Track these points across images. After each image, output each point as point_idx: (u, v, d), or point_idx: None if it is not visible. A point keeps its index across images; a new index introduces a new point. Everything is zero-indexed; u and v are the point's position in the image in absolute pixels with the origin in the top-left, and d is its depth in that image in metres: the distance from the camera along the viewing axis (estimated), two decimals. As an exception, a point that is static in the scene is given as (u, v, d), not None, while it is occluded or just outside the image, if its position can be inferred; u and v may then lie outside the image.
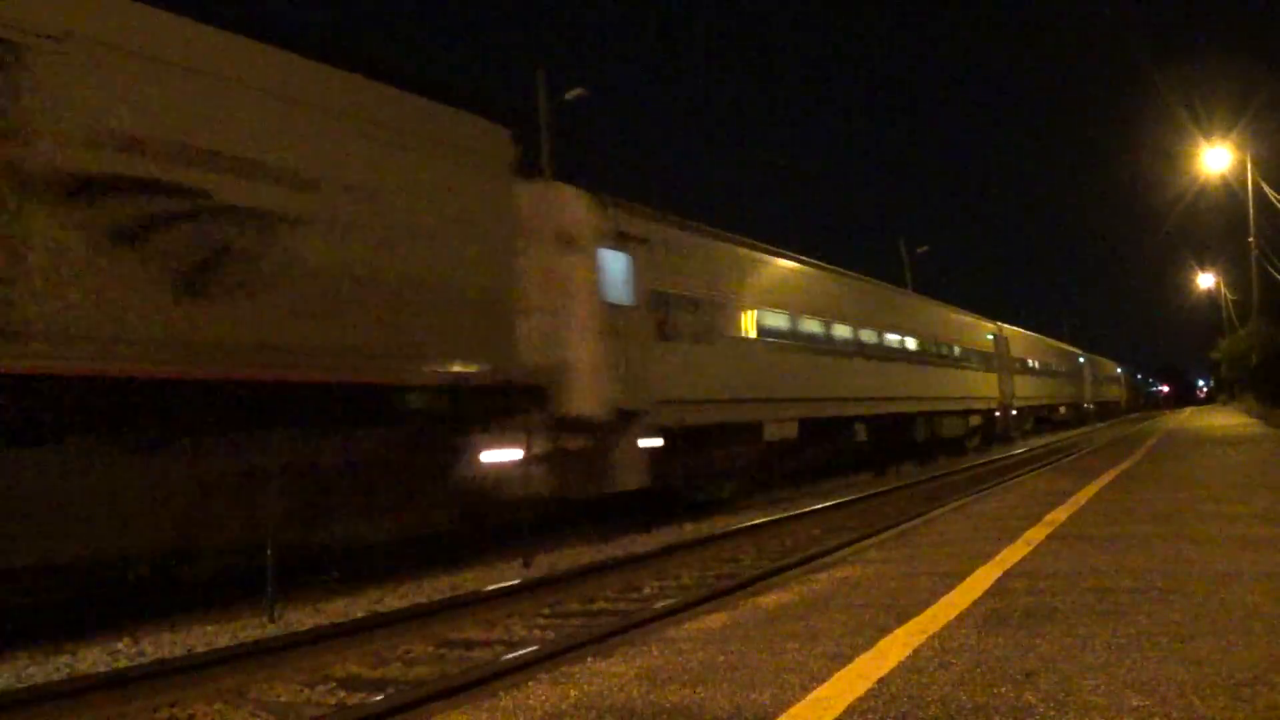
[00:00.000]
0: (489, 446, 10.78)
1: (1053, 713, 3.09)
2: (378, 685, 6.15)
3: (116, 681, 5.91)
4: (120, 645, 7.30)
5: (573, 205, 12.66)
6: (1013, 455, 28.83)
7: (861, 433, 21.08)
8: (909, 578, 5.86)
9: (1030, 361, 41.73)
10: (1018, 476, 18.17)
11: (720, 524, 13.87)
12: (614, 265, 13.18)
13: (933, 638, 4.19)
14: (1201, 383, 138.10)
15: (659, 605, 7.94)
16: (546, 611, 8.40)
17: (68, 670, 6.65)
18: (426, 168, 10.08)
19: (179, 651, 7.09)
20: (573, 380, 11.97)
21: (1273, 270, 32.10)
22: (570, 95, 20.76)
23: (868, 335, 21.93)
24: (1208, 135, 29.56)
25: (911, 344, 25.09)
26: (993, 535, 7.49)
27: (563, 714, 3.50)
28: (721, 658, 4.16)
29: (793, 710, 3.31)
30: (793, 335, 18.42)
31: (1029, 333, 43.36)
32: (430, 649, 7.21)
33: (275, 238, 8.34)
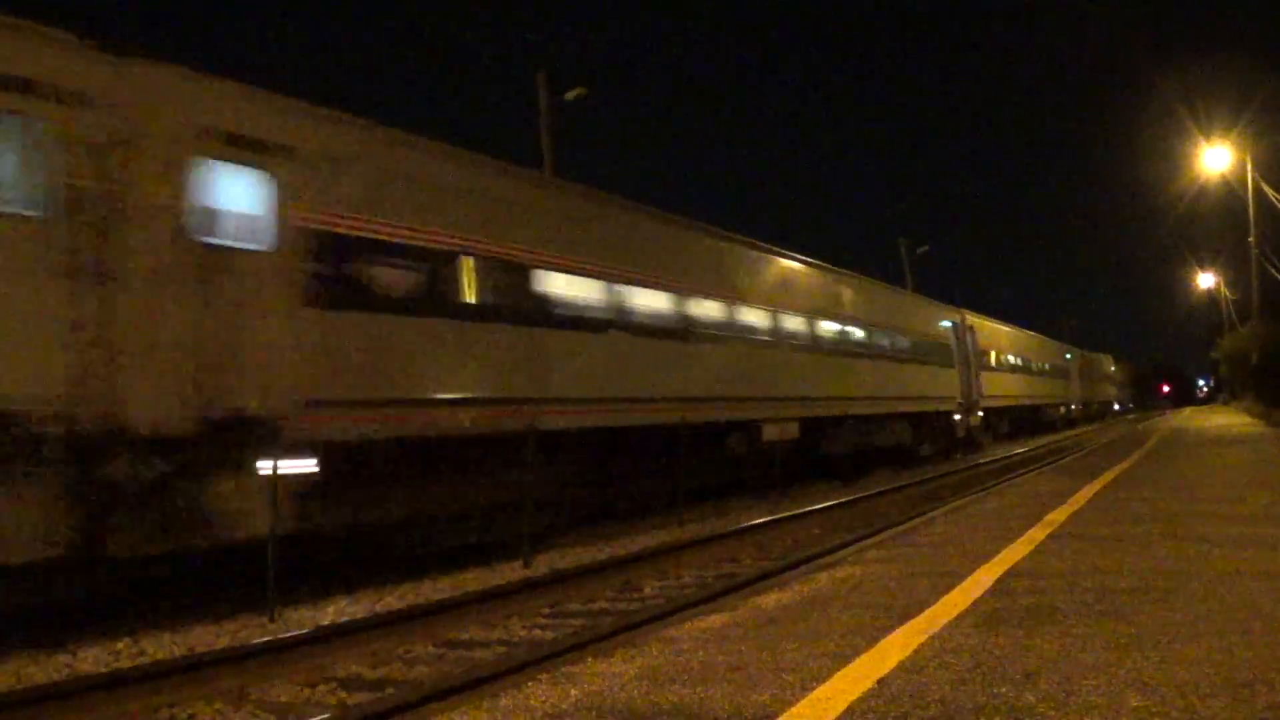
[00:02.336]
0: None
1: (1053, 713, 3.09)
2: (378, 685, 6.15)
3: (116, 681, 5.90)
4: (120, 645, 7.30)
5: (146, 88, 8.20)
6: (1013, 455, 28.83)
7: (738, 444, 16.45)
8: (909, 578, 5.86)
9: (1003, 356, 36.97)
10: (1017, 476, 18.18)
11: (720, 524, 13.86)
12: (228, 187, 8.67)
13: (933, 638, 4.18)
14: (1202, 382, 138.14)
15: (659, 605, 7.94)
16: (546, 611, 8.40)
17: (68, 670, 6.65)
18: None
19: (179, 651, 7.08)
20: (125, 371, 7.78)
21: (1273, 270, 32.14)
22: (570, 95, 20.74)
23: (755, 317, 17.14)
24: (1208, 135, 29.63)
25: (828, 330, 20.15)
26: (993, 535, 7.49)
27: (563, 714, 3.50)
28: (722, 658, 4.16)
29: (793, 710, 3.31)
30: (615, 310, 13.46)
31: (1003, 324, 38.85)
32: (430, 649, 7.20)
33: None
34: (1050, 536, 7.16)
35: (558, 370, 12.23)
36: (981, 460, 27.00)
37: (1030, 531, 7.48)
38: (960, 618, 4.56)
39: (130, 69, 8.22)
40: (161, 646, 7.29)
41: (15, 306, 7.23)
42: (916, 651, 3.96)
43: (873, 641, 4.19)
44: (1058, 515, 8.48)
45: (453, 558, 11.01)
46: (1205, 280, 57.13)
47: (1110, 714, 3.05)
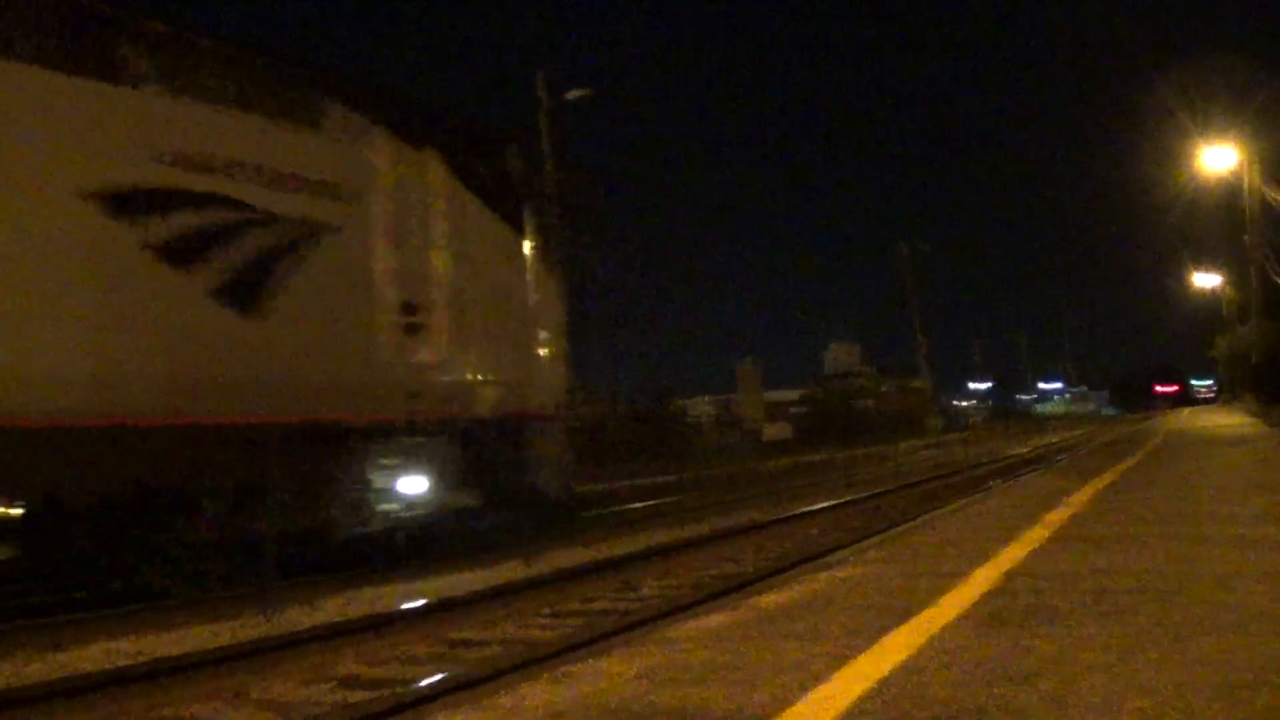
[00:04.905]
0: None
1: (1053, 713, 3.09)
2: (378, 685, 6.15)
3: (116, 681, 5.90)
4: (120, 645, 7.30)
5: None
6: (1015, 455, 28.81)
7: None
8: (909, 578, 5.86)
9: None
10: (1018, 477, 18.19)
11: (720, 524, 13.87)
12: None
13: (933, 638, 4.18)
14: (1203, 383, 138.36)
15: (658, 605, 7.94)
16: (546, 611, 8.39)
17: (68, 670, 6.65)
18: None
19: (179, 651, 7.08)
20: None
21: (1272, 271, 32.13)
22: (571, 95, 20.74)
23: None
24: (1207, 135, 29.60)
25: None
26: (993, 535, 7.49)
27: (563, 714, 3.49)
28: (721, 657, 4.15)
29: (793, 710, 3.30)
30: None
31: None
32: (430, 649, 7.20)
33: None
34: (1050, 537, 7.16)
35: None
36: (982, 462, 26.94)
37: (1030, 532, 7.48)
38: (961, 618, 4.56)
39: None
40: (161, 646, 7.29)
41: None
42: (917, 651, 3.96)
43: (873, 641, 4.19)
44: (1058, 515, 8.48)
45: (453, 558, 11.02)
46: (1204, 280, 57.08)
47: (1110, 714, 3.05)
